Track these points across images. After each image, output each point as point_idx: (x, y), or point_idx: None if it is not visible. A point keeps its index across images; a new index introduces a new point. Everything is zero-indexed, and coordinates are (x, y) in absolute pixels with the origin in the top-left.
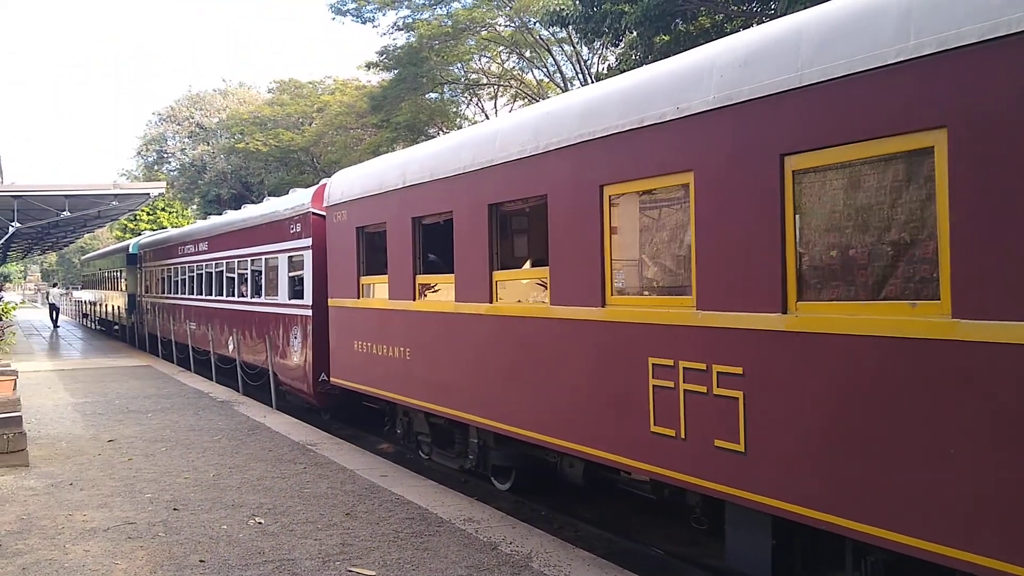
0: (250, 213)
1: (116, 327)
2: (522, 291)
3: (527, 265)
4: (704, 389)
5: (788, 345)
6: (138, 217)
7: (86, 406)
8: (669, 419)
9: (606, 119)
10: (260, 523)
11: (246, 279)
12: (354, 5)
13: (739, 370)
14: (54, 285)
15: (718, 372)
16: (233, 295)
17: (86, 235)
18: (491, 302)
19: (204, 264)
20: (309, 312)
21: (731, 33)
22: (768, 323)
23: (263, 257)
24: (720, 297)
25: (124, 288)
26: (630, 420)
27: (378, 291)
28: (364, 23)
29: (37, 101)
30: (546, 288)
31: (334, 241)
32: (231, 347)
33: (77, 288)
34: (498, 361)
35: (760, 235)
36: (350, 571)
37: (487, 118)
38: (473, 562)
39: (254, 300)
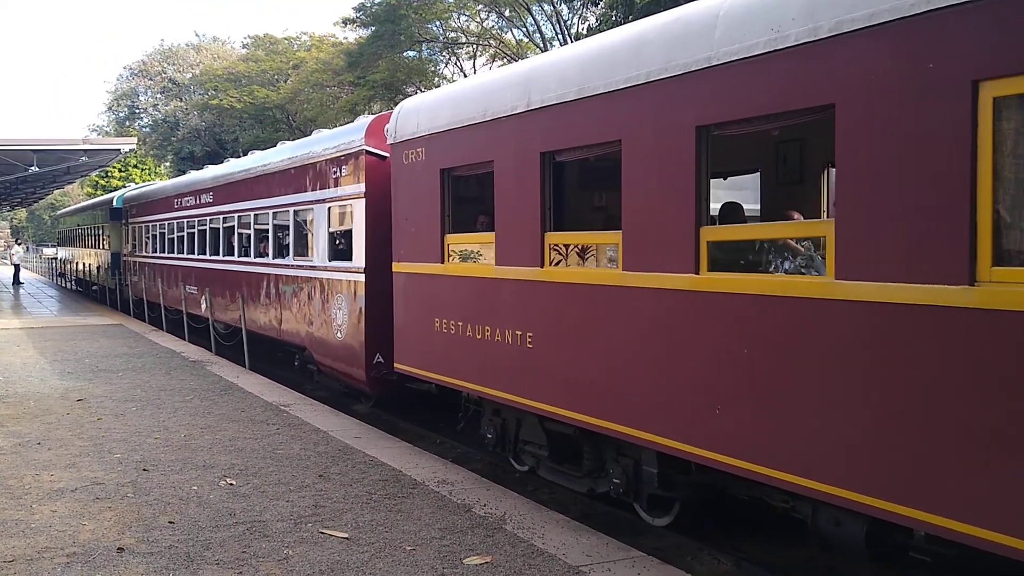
0: (271, 157)
1: (95, 288)
2: (753, 258)
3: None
4: None
5: None
6: (109, 173)
7: (56, 364)
8: None
9: None
10: (231, 484)
11: (265, 236)
12: None
13: None
14: (17, 242)
15: None
16: (248, 255)
17: (56, 192)
18: (696, 272)
19: (208, 219)
20: (361, 278)
21: None
22: None
23: (290, 209)
24: None
25: (107, 246)
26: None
27: (475, 254)
28: None
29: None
30: (814, 251)
31: (403, 188)
32: (222, 311)
33: (48, 245)
34: (708, 359)
35: None
36: (322, 532)
37: (465, 77)
38: (446, 524)
39: (276, 262)
